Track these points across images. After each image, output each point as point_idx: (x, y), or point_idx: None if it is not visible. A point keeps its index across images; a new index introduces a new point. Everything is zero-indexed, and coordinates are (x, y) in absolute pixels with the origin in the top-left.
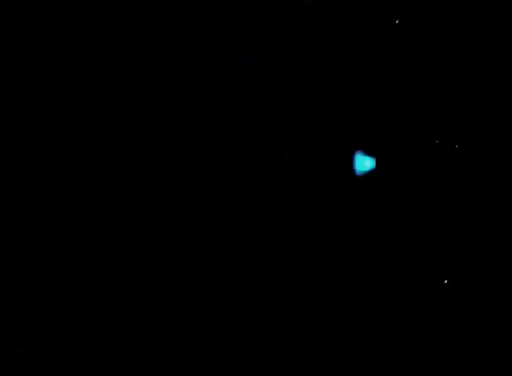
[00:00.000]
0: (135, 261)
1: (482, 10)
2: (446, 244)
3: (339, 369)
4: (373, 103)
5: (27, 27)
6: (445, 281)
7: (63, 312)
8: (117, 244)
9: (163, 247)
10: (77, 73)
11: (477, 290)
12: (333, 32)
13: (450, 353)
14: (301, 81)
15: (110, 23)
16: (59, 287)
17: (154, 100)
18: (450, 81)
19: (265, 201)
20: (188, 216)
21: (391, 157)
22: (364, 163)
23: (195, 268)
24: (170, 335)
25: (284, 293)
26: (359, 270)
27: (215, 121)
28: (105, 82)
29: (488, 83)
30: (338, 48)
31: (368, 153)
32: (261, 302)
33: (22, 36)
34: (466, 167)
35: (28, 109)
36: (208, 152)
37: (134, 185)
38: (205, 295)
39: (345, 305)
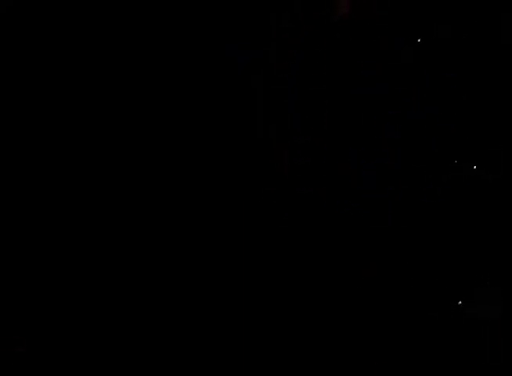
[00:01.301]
0: (135, 261)
1: (482, 10)
2: (446, 243)
3: (339, 369)
4: (372, 103)
5: (27, 27)
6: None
7: (63, 312)
8: (116, 244)
9: (163, 246)
10: (77, 73)
11: (477, 290)
12: (333, 32)
13: (450, 353)
14: (301, 81)
15: (110, 23)
16: (59, 287)
17: (154, 100)
18: (450, 81)
19: (264, 201)
20: (188, 215)
21: (391, 157)
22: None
23: (195, 267)
24: (170, 335)
25: (284, 292)
26: (359, 270)
27: (215, 121)
28: (105, 82)
29: (488, 83)
30: (338, 48)
31: (367, 152)
32: (262, 302)
33: (22, 36)
34: (466, 167)
35: (28, 109)
36: (208, 152)
37: (134, 185)
38: (205, 295)
39: (345, 304)
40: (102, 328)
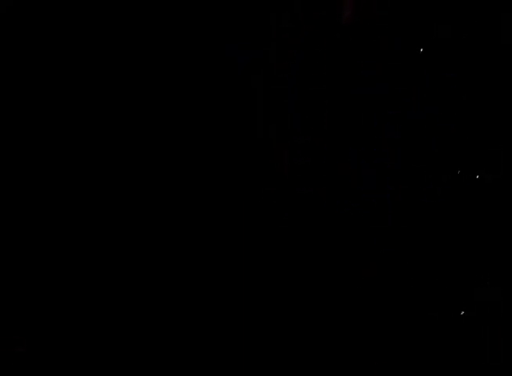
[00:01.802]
0: (136, 261)
1: (482, 10)
2: (446, 243)
3: (339, 369)
4: (373, 103)
5: (27, 27)
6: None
7: (63, 312)
8: (117, 245)
9: (162, 247)
10: (77, 73)
11: (477, 290)
12: (333, 32)
13: (450, 353)
14: (301, 81)
15: (110, 23)
16: (59, 287)
17: (154, 100)
18: (450, 81)
19: (265, 201)
20: (188, 216)
21: (391, 156)
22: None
23: (195, 268)
24: (170, 335)
25: (284, 293)
26: (359, 270)
27: (215, 121)
28: (105, 82)
29: (488, 83)
30: (338, 48)
31: (367, 152)
32: (262, 302)
33: (22, 36)
34: (467, 167)
35: (28, 109)
36: (208, 152)
37: (133, 185)
38: (205, 295)
39: (345, 305)
40: (102, 328)
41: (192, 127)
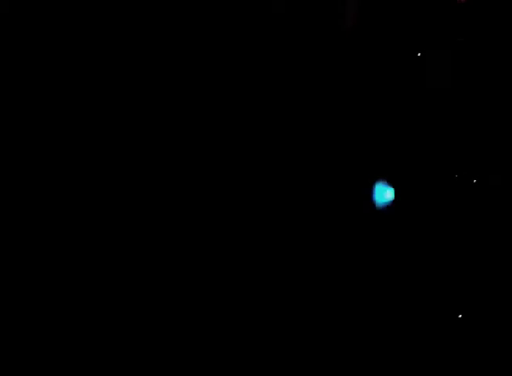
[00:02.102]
0: (136, 261)
1: (483, 10)
2: (447, 243)
3: (339, 369)
4: (374, 104)
5: (27, 27)
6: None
7: (62, 312)
8: (117, 245)
9: (163, 247)
10: (77, 73)
11: (477, 290)
12: (339, 41)
13: (450, 353)
14: (302, 81)
15: (110, 23)
16: (59, 287)
17: (154, 100)
18: (450, 85)
19: (265, 201)
20: (188, 216)
21: (392, 157)
22: (384, 193)
23: (194, 268)
24: (170, 335)
25: (284, 293)
26: (359, 270)
27: (215, 121)
28: (105, 82)
29: (488, 83)
30: (340, 48)
31: (369, 154)
32: (262, 302)
33: (22, 36)
34: (467, 168)
35: (28, 109)
36: (208, 152)
37: (133, 185)
38: (205, 295)
39: (345, 305)
40: (103, 328)
41: (192, 127)
